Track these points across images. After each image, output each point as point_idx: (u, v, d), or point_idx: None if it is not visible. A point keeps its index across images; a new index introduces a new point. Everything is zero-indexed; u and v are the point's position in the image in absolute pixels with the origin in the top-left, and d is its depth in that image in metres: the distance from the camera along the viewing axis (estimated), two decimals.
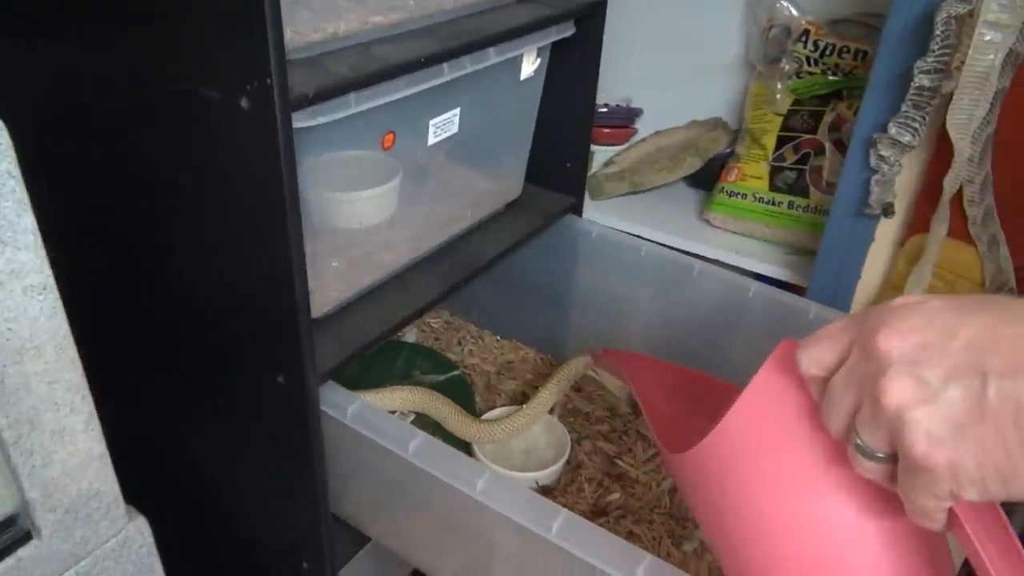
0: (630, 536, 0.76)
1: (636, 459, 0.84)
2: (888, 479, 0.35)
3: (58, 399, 0.43)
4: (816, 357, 0.36)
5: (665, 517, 0.78)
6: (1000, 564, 0.33)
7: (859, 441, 0.34)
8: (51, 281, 0.41)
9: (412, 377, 0.92)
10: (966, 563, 0.36)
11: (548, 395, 0.85)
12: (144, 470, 0.62)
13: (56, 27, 0.56)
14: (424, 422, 0.85)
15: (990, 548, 0.33)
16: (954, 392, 0.31)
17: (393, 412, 0.85)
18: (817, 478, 0.39)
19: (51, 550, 0.46)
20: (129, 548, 0.51)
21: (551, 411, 0.89)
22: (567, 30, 0.77)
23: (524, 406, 0.84)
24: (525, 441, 0.86)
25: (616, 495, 0.80)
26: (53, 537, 0.46)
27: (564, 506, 0.64)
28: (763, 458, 0.40)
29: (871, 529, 0.38)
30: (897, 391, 0.32)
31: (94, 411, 0.46)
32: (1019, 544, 0.34)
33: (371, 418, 0.62)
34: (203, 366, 0.65)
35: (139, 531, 0.51)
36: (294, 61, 0.54)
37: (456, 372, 0.93)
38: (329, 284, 0.67)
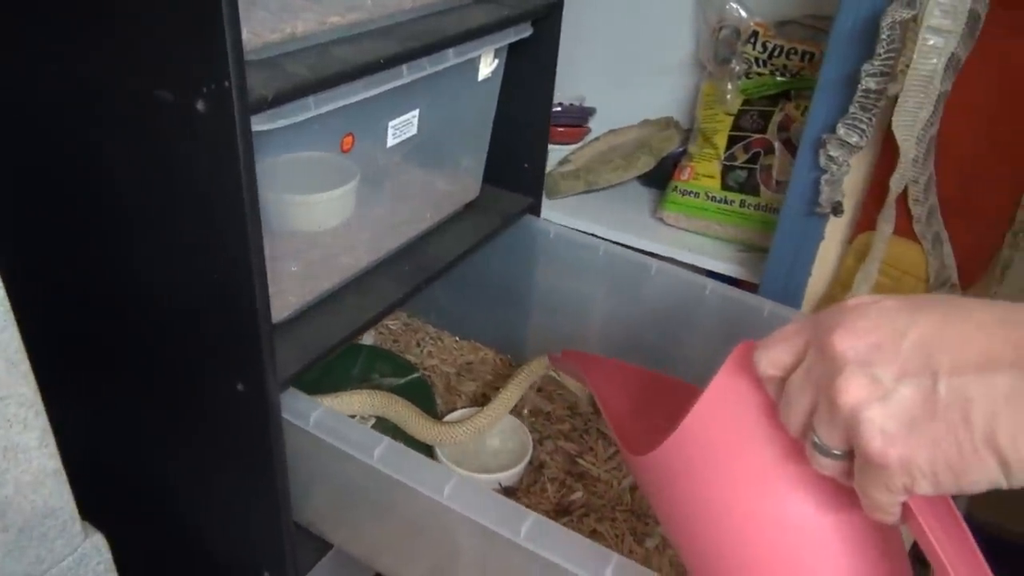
0: (593, 534, 0.76)
1: (597, 458, 0.85)
2: (845, 475, 0.36)
3: (10, 415, 0.41)
4: (773, 358, 0.37)
5: (627, 514, 0.79)
6: (952, 553, 0.34)
7: (816, 439, 0.35)
8: (1, 292, 0.40)
9: (371, 380, 0.91)
10: (914, 547, 0.38)
11: (509, 396, 0.85)
12: (101, 484, 0.60)
13: (2, 26, 0.53)
14: (385, 426, 0.84)
15: (943, 538, 0.34)
16: (906, 390, 0.32)
17: (352, 416, 0.84)
18: (777, 476, 0.40)
19: (4, 571, 0.44)
20: (86, 566, 0.49)
21: (513, 411, 0.89)
22: (524, 31, 0.77)
23: (485, 407, 0.84)
24: (487, 442, 0.86)
25: (579, 494, 0.80)
26: (6, 558, 0.44)
27: (528, 506, 0.64)
28: (723, 457, 0.41)
29: (829, 524, 0.39)
30: (852, 390, 0.33)
31: (48, 426, 0.44)
32: (970, 534, 0.35)
33: (334, 425, 0.61)
34: (161, 375, 0.63)
35: (96, 548, 0.50)
36: (251, 62, 0.52)
37: (416, 374, 0.93)
38: (288, 288, 0.66)
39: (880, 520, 0.36)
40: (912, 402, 0.32)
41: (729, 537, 0.42)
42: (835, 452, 0.35)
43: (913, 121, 0.77)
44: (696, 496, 0.43)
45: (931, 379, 0.32)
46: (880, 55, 0.76)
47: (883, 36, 0.75)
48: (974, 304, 0.33)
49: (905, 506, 0.35)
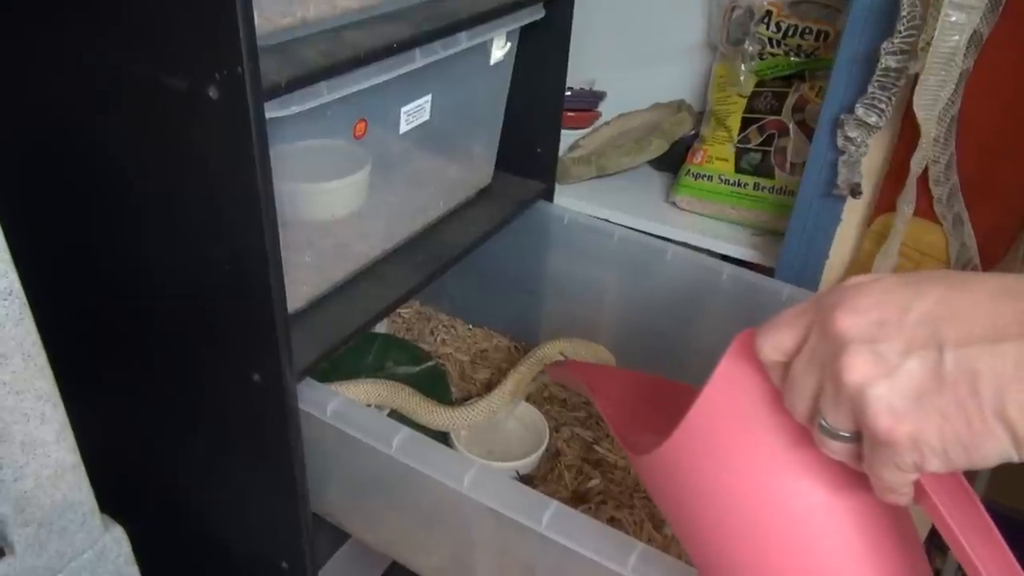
0: (612, 522, 0.76)
1: (614, 445, 0.84)
2: (854, 459, 0.35)
3: (27, 409, 0.41)
4: (775, 343, 0.36)
5: (645, 501, 0.78)
6: (968, 531, 0.34)
7: (823, 422, 0.35)
8: (17, 285, 0.39)
9: (386, 369, 0.90)
10: (931, 534, 0.37)
11: (521, 376, 0.84)
12: (119, 477, 0.60)
13: (10, 14, 0.53)
14: (400, 414, 0.84)
15: (958, 516, 0.34)
16: (912, 365, 0.31)
17: (368, 406, 0.84)
18: (785, 464, 0.39)
19: (25, 566, 0.44)
20: (106, 559, 0.49)
21: (527, 399, 0.88)
22: (537, 13, 0.75)
23: (496, 389, 0.83)
24: (504, 431, 0.86)
25: (596, 481, 0.80)
26: (27, 552, 0.44)
27: (545, 494, 0.64)
28: (729, 449, 0.40)
29: (841, 510, 0.39)
30: (857, 368, 0.32)
31: (66, 420, 0.44)
32: (984, 511, 0.34)
33: (352, 414, 0.60)
34: (177, 366, 0.62)
35: (116, 541, 0.49)
36: (263, 48, 0.51)
37: (431, 363, 0.92)
38: (302, 278, 0.65)
39: (892, 502, 0.35)
40: (919, 377, 0.31)
41: (739, 529, 0.41)
42: (843, 434, 0.34)
43: (934, 100, 0.75)
44: (703, 490, 0.42)
45: (937, 352, 0.31)
46: (900, 32, 0.75)
47: (903, 13, 0.74)
48: (977, 277, 0.33)
49: (917, 486, 0.34)
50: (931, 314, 0.32)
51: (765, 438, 0.39)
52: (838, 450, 0.35)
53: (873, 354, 0.32)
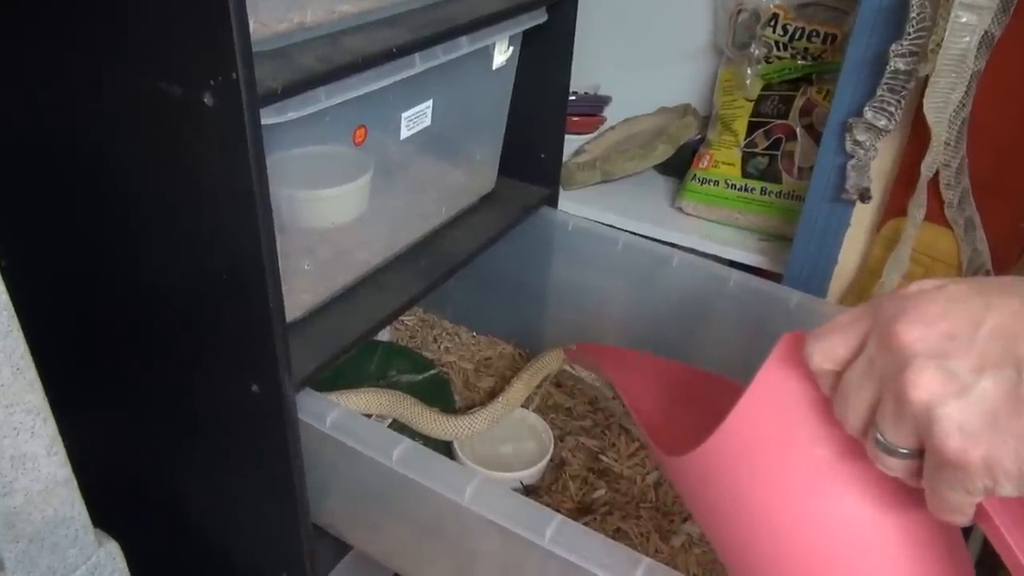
0: (618, 533, 0.74)
1: (620, 454, 0.83)
2: (912, 475, 0.33)
3: (17, 423, 0.40)
4: (827, 350, 0.34)
5: (652, 511, 0.77)
6: None
7: (880, 438, 0.33)
8: (4, 297, 0.38)
9: (388, 377, 0.89)
10: (983, 551, 0.35)
11: (522, 384, 0.83)
12: (114, 490, 0.59)
13: (4, 21, 0.52)
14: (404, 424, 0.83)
15: (1020, 540, 0.32)
16: (987, 384, 0.29)
17: (369, 416, 0.83)
18: (831, 476, 0.37)
19: None
20: (100, 575, 0.48)
21: (530, 407, 0.87)
22: (539, 17, 0.74)
23: (498, 397, 0.82)
24: (508, 440, 0.84)
25: (601, 491, 0.79)
26: (17, 569, 0.43)
27: (549, 505, 0.62)
28: (771, 457, 0.39)
29: (889, 526, 0.37)
30: (924, 385, 0.30)
31: (57, 434, 0.43)
32: None
33: (351, 425, 0.59)
34: (173, 377, 0.62)
35: (110, 556, 0.48)
36: (259, 54, 0.50)
37: (434, 371, 0.91)
38: (302, 286, 0.64)
39: (950, 521, 0.33)
40: (994, 397, 0.29)
41: (777, 540, 0.39)
42: (902, 451, 0.33)
43: (945, 102, 0.74)
44: (740, 497, 0.40)
45: (1015, 371, 0.29)
46: (910, 34, 0.73)
47: (913, 14, 0.73)
48: None
49: (978, 506, 0.32)
50: (1006, 328, 0.30)
51: (809, 448, 0.37)
52: (895, 467, 0.33)
53: (942, 371, 0.30)
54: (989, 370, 0.30)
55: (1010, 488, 0.30)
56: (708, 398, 0.41)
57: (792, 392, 0.37)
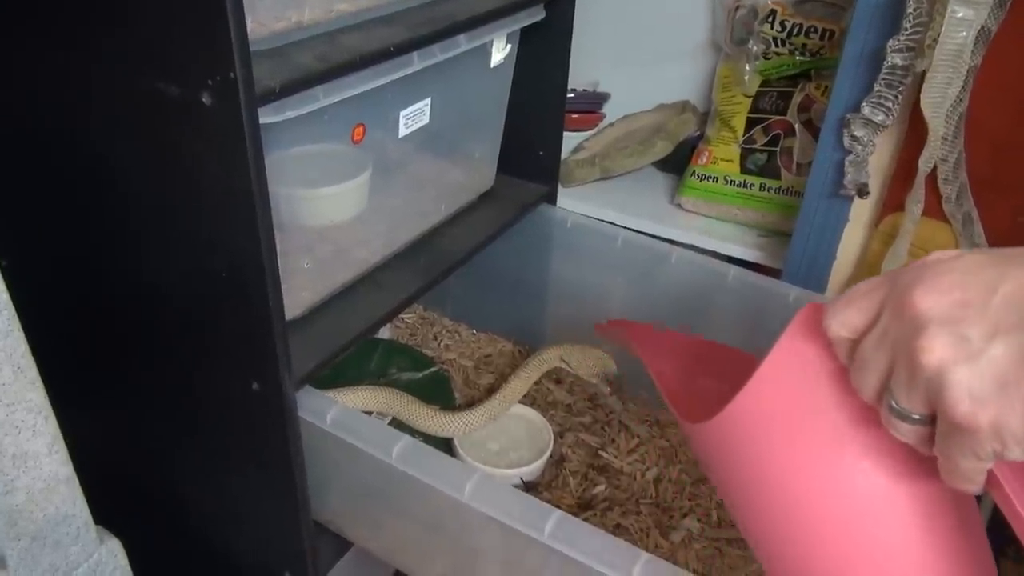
0: (618, 529, 0.75)
1: (619, 450, 0.83)
2: (924, 442, 0.34)
3: (18, 422, 0.40)
4: (845, 319, 0.35)
5: (651, 507, 0.77)
6: None
7: (894, 404, 0.33)
8: (5, 296, 0.38)
9: (389, 375, 0.90)
10: (993, 519, 0.36)
11: (520, 382, 0.83)
12: (116, 488, 0.59)
13: (3, 22, 0.52)
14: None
15: None
16: (998, 349, 0.30)
17: (370, 413, 0.83)
18: (846, 443, 0.38)
19: None
20: (102, 572, 0.48)
21: (531, 404, 0.87)
22: (537, 15, 0.75)
23: (495, 393, 0.82)
24: (507, 437, 0.85)
25: (601, 487, 0.79)
26: (20, 567, 0.43)
27: (549, 501, 0.62)
28: (788, 424, 0.39)
29: (902, 494, 0.38)
30: (936, 350, 0.31)
31: (58, 432, 0.43)
32: None
33: (352, 423, 0.59)
34: (174, 376, 0.62)
35: (112, 554, 0.49)
36: (257, 53, 0.51)
37: (434, 368, 0.91)
38: (301, 284, 0.64)
39: (962, 488, 0.34)
40: (1005, 362, 0.30)
41: (794, 509, 0.40)
42: (914, 417, 0.33)
43: (942, 97, 0.74)
44: (758, 465, 0.41)
45: None
46: (906, 29, 0.73)
47: (909, 9, 0.73)
48: None
49: (989, 473, 0.33)
50: (1020, 296, 0.30)
51: (826, 415, 0.38)
52: (907, 433, 0.34)
53: (955, 336, 0.31)
54: (1001, 336, 0.30)
55: (1019, 452, 0.30)
56: (729, 370, 0.42)
57: (810, 361, 0.38)
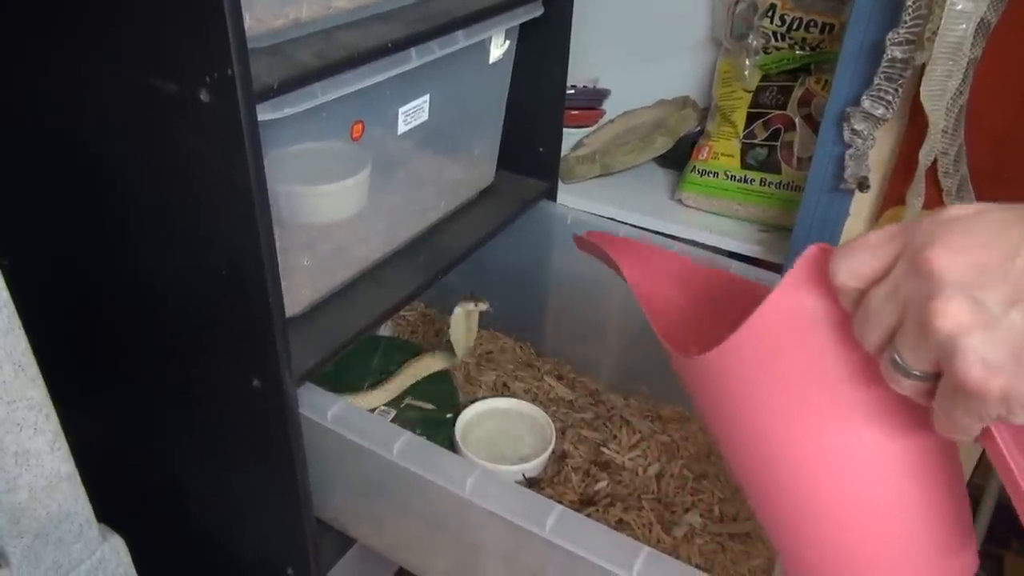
0: (620, 524, 0.75)
1: (621, 446, 0.83)
2: (923, 395, 0.33)
3: (19, 419, 0.40)
4: (854, 267, 0.33)
5: (653, 503, 0.77)
6: None
7: (897, 358, 0.32)
8: (5, 294, 0.39)
9: (390, 373, 0.90)
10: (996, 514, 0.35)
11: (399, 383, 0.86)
12: (118, 486, 0.59)
13: (2, 21, 0.52)
14: (404, 417, 0.83)
15: (1020, 460, 0.32)
16: (1016, 317, 0.29)
17: (373, 410, 0.83)
18: (841, 393, 0.37)
19: None
20: (105, 570, 0.48)
21: (535, 401, 0.87)
22: (535, 10, 0.74)
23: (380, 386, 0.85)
24: (510, 434, 0.85)
25: (603, 483, 0.79)
26: (23, 564, 0.43)
27: (552, 497, 0.62)
28: (783, 369, 0.38)
29: (895, 445, 0.37)
30: (951, 314, 0.30)
31: (60, 429, 0.43)
32: None
33: (352, 419, 0.60)
34: (175, 373, 0.62)
35: (115, 551, 0.49)
36: (255, 50, 0.51)
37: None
38: (302, 281, 0.64)
39: (953, 438, 0.34)
40: (1022, 330, 0.29)
41: (785, 452, 0.40)
42: (916, 373, 0.32)
43: (942, 90, 0.74)
44: (751, 404, 0.40)
45: None
46: (906, 22, 0.73)
47: (909, 2, 0.73)
48: None
49: (984, 428, 0.33)
50: None
51: (822, 363, 0.37)
52: (907, 387, 0.33)
53: (971, 301, 0.29)
54: (1020, 304, 0.29)
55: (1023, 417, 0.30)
56: (735, 303, 0.41)
57: (811, 305, 0.36)
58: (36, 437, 0.41)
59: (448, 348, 0.87)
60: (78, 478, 0.45)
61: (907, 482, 0.38)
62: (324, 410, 0.60)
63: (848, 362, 0.36)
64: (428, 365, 0.88)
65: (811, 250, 0.36)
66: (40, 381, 0.41)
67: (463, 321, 0.85)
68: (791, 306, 0.37)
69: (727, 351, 0.39)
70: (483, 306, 0.83)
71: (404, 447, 0.57)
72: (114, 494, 0.54)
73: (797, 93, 1.07)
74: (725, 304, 0.41)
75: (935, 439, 0.35)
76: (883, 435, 0.37)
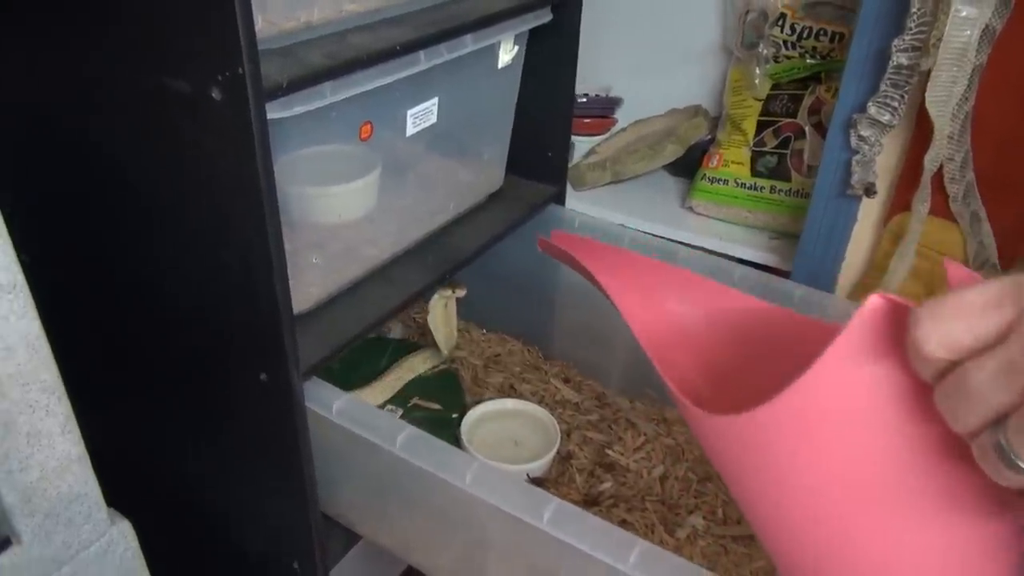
0: (623, 525, 0.75)
1: (626, 448, 0.84)
2: None
3: (32, 401, 0.42)
4: (953, 337, 0.26)
5: (657, 504, 0.78)
6: None
7: (1004, 444, 0.26)
8: (20, 279, 0.40)
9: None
10: None
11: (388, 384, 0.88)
12: (128, 472, 0.61)
13: (14, 20, 0.54)
14: (411, 416, 0.84)
15: None
16: None
17: (382, 406, 0.84)
18: (903, 472, 0.31)
19: (32, 556, 0.45)
20: (113, 552, 0.50)
21: (540, 402, 0.88)
22: (544, 16, 0.76)
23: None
24: (515, 434, 0.85)
25: (608, 484, 0.79)
26: (33, 543, 0.45)
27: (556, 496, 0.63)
28: (829, 438, 0.32)
29: (965, 531, 0.32)
30: None
31: (71, 412, 0.45)
32: None
33: (357, 413, 0.61)
34: (184, 366, 0.64)
35: (123, 535, 0.50)
36: (266, 51, 0.53)
37: (444, 366, 0.92)
38: (310, 279, 0.66)
39: None
40: None
41: (834, 532, 0.33)
42: None
43: (947, 96, 0.74)
44: (781, 470, 0.33)
45: None
46: (911, 29, 0.74)
47: (914, 9, 0.73)
48: None
49: None
50: None
51: (883, 441, 0.31)
52: (1010, 479, 0.27)
53: None
54: None
55: None
56: (698, 296, 0.36)
57: (870, 370, 0.30)
58: (48, 419, 0.43)
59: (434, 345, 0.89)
60: (88, 461, 0.47)
61: (978, 565, 0.32)
62: (329, 404, 0.61)
63: (915, 434, 0.30)
64: (413, 365, 0.90)
65: (877, 302, 0.29)
66: (53, 364, 0.43)
67: (441, 310, 0.86)
68: (847, 369, 0.30)
69: (757, 420, 0.32)
70: (460, 292, 0.84)
71: (407, 440, 0.58)
72: (123, 483, 0.55)
73: (807, 101, 1.07)
74: (705, 306, 0.37)
75: (1014, 527, 0.30)
76: (955, 519, 0.31)
